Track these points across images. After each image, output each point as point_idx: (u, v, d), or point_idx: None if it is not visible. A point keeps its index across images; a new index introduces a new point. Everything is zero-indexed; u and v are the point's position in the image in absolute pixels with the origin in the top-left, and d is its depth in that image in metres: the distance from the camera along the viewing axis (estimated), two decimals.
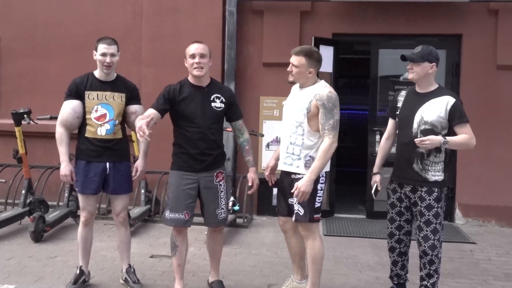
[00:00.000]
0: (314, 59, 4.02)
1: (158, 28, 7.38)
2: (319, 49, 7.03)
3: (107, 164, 4.40)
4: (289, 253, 4.48)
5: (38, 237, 5.85)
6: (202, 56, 4.10)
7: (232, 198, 6.62)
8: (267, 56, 7.30)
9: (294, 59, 4.02)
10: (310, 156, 3.97)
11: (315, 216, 4.02)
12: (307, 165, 3.96)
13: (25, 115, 6.26)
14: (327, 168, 4.05)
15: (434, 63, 4.03)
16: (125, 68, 7.65)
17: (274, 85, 7.26)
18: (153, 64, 7.37)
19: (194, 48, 4.13)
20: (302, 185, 3.84)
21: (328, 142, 3.88)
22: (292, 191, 3.92)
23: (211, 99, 4.17)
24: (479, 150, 3.87)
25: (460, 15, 7.05)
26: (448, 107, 3.94)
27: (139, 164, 4.51)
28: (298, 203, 3.98)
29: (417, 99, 4.09)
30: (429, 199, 4.00)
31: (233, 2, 7.19)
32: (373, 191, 4.43)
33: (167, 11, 7.37)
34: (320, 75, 7.11)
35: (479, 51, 7.04)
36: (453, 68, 7.18)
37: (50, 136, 7.68)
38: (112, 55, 4.36)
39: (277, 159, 4.25)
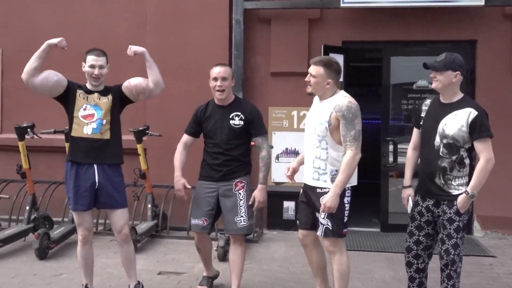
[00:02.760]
0: (333, 69, 3.93)
1: (162, 37, 7.21)
2: None
3: (95, 167, 4.20)
4: (311, 269, 4.33)
5: (42, 254, 5.67)
6: (223, 79, 4.40)
7: None
8: (275, 65, 7.13)
9: (313, 69, 3.94)
10: (336, 170, 3.88)
11: (343, 231, 3.99)
12: (333, 180, 3.87)
13: (28, 129, 6.12)
14: (354, 181, 3.99)
15: (458, 71, 3.82)
16: (128, 79, 7.53)
17: (283, 95, 7.09)
18: None
19: (216, 71, 4.43)
20: (327, 201, 3.78)
21: (350, 155, 3.77)
22: (320, 208, 3.86)
23: (230, 117, 4.43)
24: (497, 159, 3.75)
25: (475, 20, 6.86)
26: (470, 120, 3.75)
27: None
28: (327, 218, 3.90)
29: (440, 110, 3.90)
30: (450, 213, 3.81)
31: (240, 10, 7.03)
32: (408, 206, 4.19)
33: (172, 20, 7.21)
34: None
35: (495, 57, 6.84)
36: (468, 75, 6.97)
37: (53, 150, 7.58)
38: (101, 67, 4.26)
39: (300, 164, 4.24)
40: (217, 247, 5.72)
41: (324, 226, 3.92)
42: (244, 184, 4.44)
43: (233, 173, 4.41)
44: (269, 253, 6.10)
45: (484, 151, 3.75)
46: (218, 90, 4.40)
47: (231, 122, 4.41)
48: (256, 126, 4.46)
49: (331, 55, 6.95)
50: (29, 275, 5.18)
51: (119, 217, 4.33)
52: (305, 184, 4.10)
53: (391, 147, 7.03)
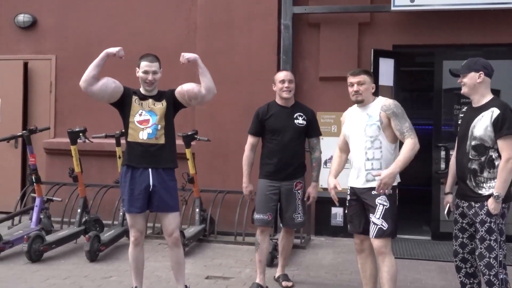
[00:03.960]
0: (371, 76, 4.20)
1: (211, 43, 7.25)
2: (378, 62, 6.85)
3: (150, 171, 4.24)
4: (362, 277, 4.28)
5: (93, 256, 5.77)
6: (290, 81, 4.83)
7: None
8: (324, 70, 7.06)
9: (357, 79, 4.10)
10: None
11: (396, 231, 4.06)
12: None
13: (80, 134, 6.24)
14: (398, 178, 4.05)
15: (481, 72, 3.84)
16: (178, 85, 7.60)
17: (332, 100, 7.01)
18: None
19: (283, 74, 4.88)
20: (385, 176, 3.83)
21: (411, 141, 3.91)
22: (374, 173, 3.93)
23: (294, 116, 4.83)
24: None
25: None
26: (493, 119, 3.74)
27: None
28: (382, 218, 3.91)
29: (471, 114, 3.93)
30: (481, 214, 3.77)
31: (289, 15, 7.01)
32: (445, 212, 4.22)
33: (221, 26, 7.24)
34: (380, 89, 6.91)
35: None
36: None
37: (104, 154, 7.73)
38: (154, 72, 4.30)
39: (338, 173, 4.35)
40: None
41: (378, 227, 3.92)
42: (302, 184, 4.87)
43: (295, 174, 4.82)
44: (317, 259, 6.02)
45: (504, 150, 3.72)
46: (285, 91, 4.78)
47: (296, 121, 4.81)
48: (315, 127, 4.95)
49: (381, 59, 6.87)
50: (80, 276, 5.27)
51: (171, 221, 4.35)
52: (355, 189, 4.10)
53: (443, 153, 6.84)
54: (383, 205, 3.93)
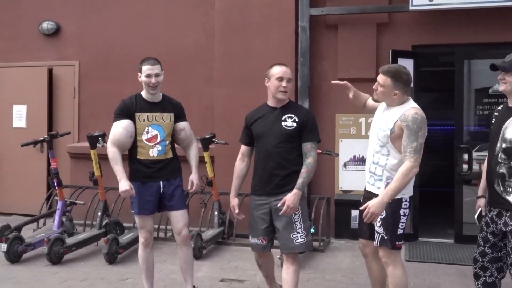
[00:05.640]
0: (401, 81, 3.76)
1: (229, 46, 7.28)
2: (397, 63, 6.72)
3: (161, 183, 4.37)
4: (371, 281, 4.21)
5: (111, 258, 5.85)
6: (289, 80, 4.08)
7: None
8: (342, 71, 6.99)
9: (381, 78, 3.81)
10: (392, 179, 3.71)
11: (397, 243, 3.78)
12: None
13: (99, 138, 6.34)
14: (410, 192, 3.80)
15: None
16: (197, 88, 7.69)
17: (350, 102, 6.89)
18: (225, 83, 7.26)
19: (283, 71, 4.07)
20: (372, 205, 3.55)
21: (408, 166, 3.59)
22: (360, 208, 3.69)
23: (283, 118, 4.08)
24: None
25: None
26: None
27: (193, 178, 4.45)
28: (381, 227, 3.76)
29: (505, 114, 3.69)
30: (511, 224, 3.58)
31: (306, 17, 6.99)
32: (476, 216, 4.06)
33: (239, 29, 7.27)
34: None
35: None
36: None
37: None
38: (157, 75, 4.35)
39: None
40: (280, 255, 5.67)
41: (380, 235, 3.79)
42: None
43: (284, 185, 3.98)
44: (335, 263, 5.97)
45: None
46: (282, 91, 4.03)
47: (283, 123, 4.03)
48: (309, 131, 4.06)
49: (400, 60, 6.76)
50: (97, 278, 5.36)
51: (179, 219, 4.43)
52: (365, 191, 3.99)
53: (465, 155, 6.71)
54: (380, 215, 3.68)
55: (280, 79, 4.02)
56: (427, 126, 3.77)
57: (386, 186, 3.71)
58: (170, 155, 4.41)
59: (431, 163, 9.15)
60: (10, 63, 8.52)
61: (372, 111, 4.13)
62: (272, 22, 7.14)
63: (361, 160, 6.84)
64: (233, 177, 4.28)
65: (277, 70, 4.06)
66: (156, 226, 5.94)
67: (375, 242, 3.84)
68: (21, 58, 8.49)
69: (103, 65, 8.11)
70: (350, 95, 4.14)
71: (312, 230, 6.29)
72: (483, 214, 3.93)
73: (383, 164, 3.77)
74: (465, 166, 6.68)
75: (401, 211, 3.75)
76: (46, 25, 8.29)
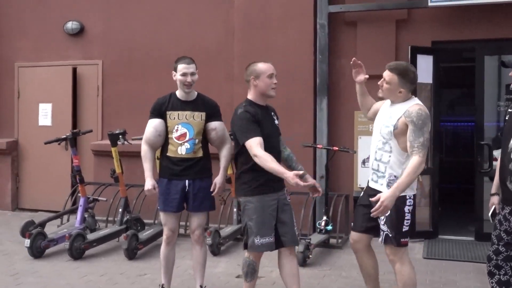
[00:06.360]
0: (408, 79, 3.78)
1: (249, 44, 7.32)
2: (416, 59, 6.70)
3: (187, 181, 4.42)
4: (363, 276, 4.24)
5: (131, 254, 5.96)
6: (276, 76, 4.07)
7: (324, 218, 6.37)
8: None
9: (387, 75, 3.82)
10: (394, 176, 3.74)
11: (402, 240, 3.79)
12: (389, 185, 3.75)
13: (120, 136, 6.46)
14: (414, 190, 3.82)
15: None
16: (217, 86, 7.75)
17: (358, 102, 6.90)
18: (245, 81, 7.28)
19: (272, 67, 4.06)
20: (386, 198, 3.51)
21: (418, 160, 3.59)
22: (372, 199, 3.62)
23: (273, 116, 4.17)
24: None
25: None
26: None
27: (217, 180, 4.46)
28: (386, 224, 3.78)
29: None
30: None
31: (324, 14, 6.99)
32: (490, 214, 4.03)
33: (258, 27, 7.30)
34: (419, 87, 6.77)
35: None
36: None
37: None
38: (192, 74, 4.41)
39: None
40: (296, 252, 5.71)
41: (385, 233, 3.81)
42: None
43: (282, 180, 3.96)
44: (351, 259, 5.94)
45: None
46: (274, 88, 4.03)
47: (276, 121, 4.16)
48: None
49: (419, 56, 6.74)
50: (116, 274, 5.47)
51: (195, 219, 4.52)
52: (368, 187, 4.01)
53: (486, 151, 6.62)
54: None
55: (271, 76, 4.01)
56: (442, 122, 3.76)
57: (388, 183, 3.75)
58: (200, 154, 4.44)
59: (454, 159, 9.10)
60: (36, 62, 8.73)
61: (374, 117, 4.12)
62: (291, 20, 7.15)
63: None
64: (276, 163, 3.81)
65: (266, 68, 4.02)
66: None
67: (380, 239, 3.86)
68: (47, 58, 8.69)
69: (126, 64, 8.25)
70: (361, 78, 4.11)
71: (330, 227, 6.33)
72: (497, 211, 3.89)
73: (386, 161, 3.79)
74: (486, 164, 6.60)
75: (406, 208, 3.76)
76: (71, 25, 8.45)
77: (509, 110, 3.84)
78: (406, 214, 3.77)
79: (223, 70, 7.71)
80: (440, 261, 5.88)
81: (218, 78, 7.76)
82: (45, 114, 8.65)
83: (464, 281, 5.22)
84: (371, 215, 3.63)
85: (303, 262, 5.66)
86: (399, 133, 3.73)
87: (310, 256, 5.82)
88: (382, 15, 6.91)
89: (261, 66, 4.04)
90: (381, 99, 4.08)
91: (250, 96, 4.08)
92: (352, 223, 4.23)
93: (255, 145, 3.82)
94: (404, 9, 6.85)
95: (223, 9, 7.78)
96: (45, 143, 6.57)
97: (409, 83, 3.77)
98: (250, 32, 7.36)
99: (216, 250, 6.11)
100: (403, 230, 3.78)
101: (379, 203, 3.54)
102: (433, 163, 6.89)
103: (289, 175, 3.70)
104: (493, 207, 3.98)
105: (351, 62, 4.12)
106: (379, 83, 3.89)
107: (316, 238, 6.13)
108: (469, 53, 7.33)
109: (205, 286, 4.61)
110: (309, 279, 5.32)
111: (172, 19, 8.04)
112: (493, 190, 3.98)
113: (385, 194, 3.55)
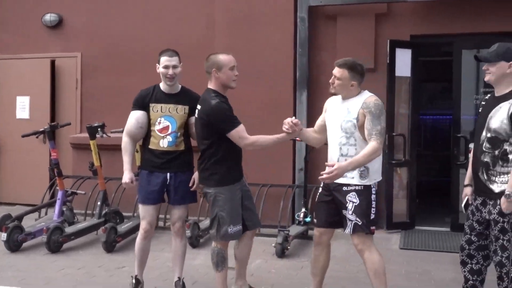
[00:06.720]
0: (357, 72, 3.95)
1: (231, 39, 7.29)
2: (395, 53, 6.76)
3: (168, 174, 4.41)
4: (313, 268, 4.32)
5: (109, 247, 5.94)
6: (236, 68, 4.19)
7: (303, 209, 6.41)
8: None
9: (337, 71, 3.97)
10: (365, 167, 3.84)
11: (371, 227, 3.92)
12: (362, 176, 3.87)
13: (98, 129, 6.42)
14: (379, 177, 3.97)
15: None
16: (199, 82, 7.67)
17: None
18: None
19: (233, 59, 4.16)
20: (339, 167, 3.62)
21: (375, 146, 3.77)
22: (327, 163, 3.76)
23: None
24: None
25: None
26: (510, 112, 3.56)
27: (196, 176, 4.45)
28: (354, 213, 3.85)
29: (491, 104, 3.74)
30: (494, 213, 3.63)
31: (304, 8, 7.01)
32: (463, 205, 4.13)
33: (238, 21, 7.29)
34: (398, 80, 6.83)
35: None
36: None
37: None
38: (174, 66, 4.38)
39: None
40: (275, 244, 5.76)
41: (353, 222, 3.88)
42: None
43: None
44: None
45: None
46: (235, 80, 4.18)
47: None
48: None
49: (398, 50, 6.81)
50: (94, 267, 5.45)
51: (176, 211, 4.53)
52: (324, 184, 4.08)
53: (462, 144, 6.71)
54: (353, 202, 3.87)
55: (232, 68, 4.12)
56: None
57: (360, 174, 3.86)
58: (182, 147, 4.43)
59: (431, 153, 9.20)
60: (13, 55, 8.61)
61: (323, 131, 4.20)
62: (272, 13, 7.16)
63: None
64: (269, 137, 4.16)
65: (228, 60, 4.12)
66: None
67: (347, 230, 3.93)
68: (24, 50, 8.58)
69: (106, 57, 8.18)
70: (297, 133, 4.17)
71: (309, 219, 6.37)
72: (470, 202, 3.97)
73: (353, 154, 3.87)
74: (462, 156, 6.69)
75: (372, 197, 3.91)
76: (49, 17, 8.36)
77: (482, 103, 3.91)
78: (373, 203, 3.91)
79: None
80: (416, 252, 5.96)
81: (201, 72, 7.67)
82: (23, 107, 8.56)
83: (439, 271, 5.29)
84: (319, 177, 3.73)
85: (282, 253, 5.70)
86: (361, 124, 3.86)
87: (289, 247, 5.86)
88: (362, 9, 6.95)
89: (223, 58, 4.12)
90: (334, 95, 4.16)
91: (212, 86, 4.17)
92: (315, 220, 4.31)
93: (244, 131, 4.04)
94: (383, 3, 6.89)
95: (206, 3, 7.74)
96: (23, 136, 6.51)
97: (358, 75, 3.93)
98: (232, 26, 7.34)
99: (195, 242, 6.12)
100: (371, 218, 3.89)
101: (332, 169, 3.63)
102: (410, 156, 6.96)
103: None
104: (466, 198, 4.04)
105: (286, 127, 4.09)
106: (330, 81, 4.02)
107: (294, 229, 6.17)
108: (448, 47, 7.39)
109: (183, 278, 4.60)
110: (287, 270, 5.35)
111: (155, 12, 7.98)
112: (466, 181, 4.05)
113: (341, 165, 3.67)
